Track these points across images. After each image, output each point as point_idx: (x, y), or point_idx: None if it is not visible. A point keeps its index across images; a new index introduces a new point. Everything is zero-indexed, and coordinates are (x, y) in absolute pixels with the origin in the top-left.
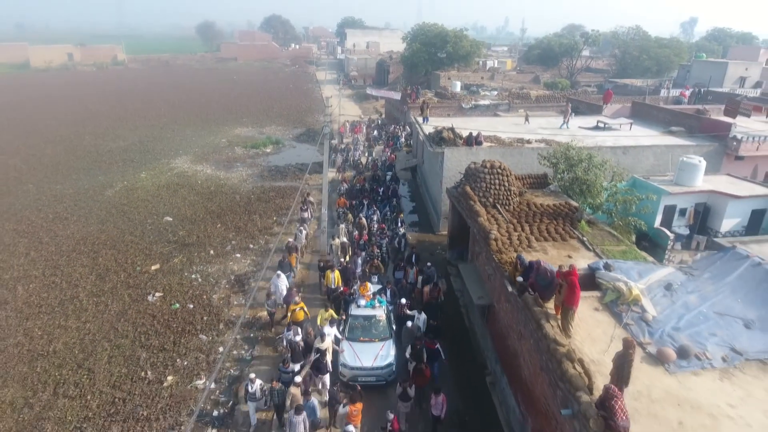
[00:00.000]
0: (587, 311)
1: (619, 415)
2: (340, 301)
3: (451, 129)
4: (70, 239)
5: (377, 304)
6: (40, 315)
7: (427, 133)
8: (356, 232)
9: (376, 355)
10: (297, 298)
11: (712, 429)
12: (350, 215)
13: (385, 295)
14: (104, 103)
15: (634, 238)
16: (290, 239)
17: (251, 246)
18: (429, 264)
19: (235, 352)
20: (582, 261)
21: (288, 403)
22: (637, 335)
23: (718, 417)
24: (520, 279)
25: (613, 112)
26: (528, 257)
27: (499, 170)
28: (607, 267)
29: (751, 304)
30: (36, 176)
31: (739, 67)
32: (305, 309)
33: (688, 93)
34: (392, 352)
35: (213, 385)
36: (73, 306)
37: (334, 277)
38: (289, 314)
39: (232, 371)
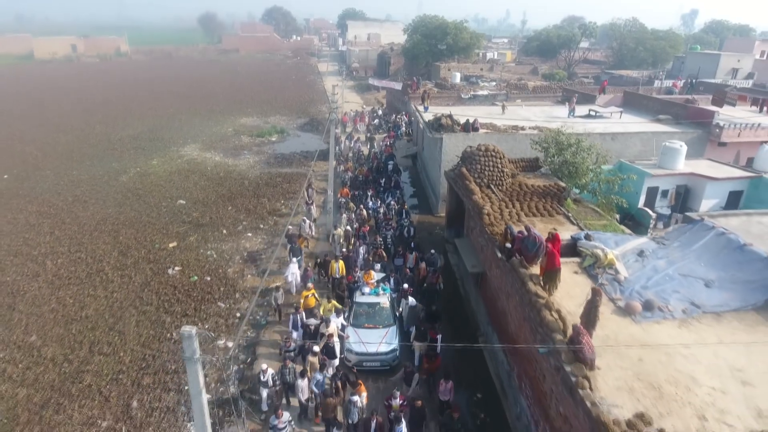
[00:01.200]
0: (567, 274)
1: (586, 348)
2: (343, 290)
3: (450, 116)
4: (90, 220)
5: (381, 292)
6: (70, 285)
7: (427, 120)
8: (357, 224)
9: (380, 341)
10: (309, 284)
11: (666, 363)
12: (352, 205)
13: (389, 283)
14: (110, 94)
15: (617, 215)
16: (290, 226)
17: (261, 226)
18: (432, 251)
19: (251, 317)
20: (566, 233)
21: (308, 368)
22: (610, 293)
23: (673, 355)
24: (508, 245)
25: (606, 101)
26: (517, 230)
27: (492, 153)
28: (587, 237)
29: (712, 267)
30: (52, 163)
31: (732, 58)
32: (316, 295)
33: (680, 84)
34: (396, 337)
35: (231, 344)
36: (99, 278)
37: (338, 267)
38: (301, 300)
39: (249, 333)
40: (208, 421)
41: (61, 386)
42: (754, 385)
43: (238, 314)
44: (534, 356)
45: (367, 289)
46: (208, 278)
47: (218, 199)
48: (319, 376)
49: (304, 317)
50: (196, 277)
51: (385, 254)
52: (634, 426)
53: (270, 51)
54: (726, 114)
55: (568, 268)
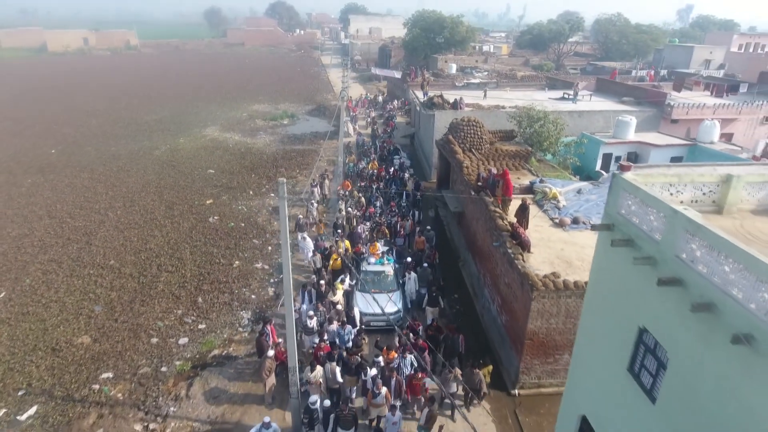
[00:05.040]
0: None
1: (522, 234)
2: (350, 261)
3: (441, 96)
4: (136, 184)
5: (386, 262)
6: (132, 229)
7: (422, 101)
8: (356, 211)
9: (385, 303)
10: (341, 250)
11: (580, 251)
12: (356, 193)
13: (392, 254)
14: (128, 84)
15: (578, 176)
16: (300, 215)
17: None
18: (429, 227)
19: (280, 251)
20: (526, 180)
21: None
22: (551, 215)
23: (585, 247)
24: (479, 184)
25: (582, 87)
26: (485, 175)
27: (473, 123)
28: (541, 181)
29: None
30: (90, 141)
31: (704, 51)
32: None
33: (653, 73)
34: (399, 301)
35: (267, 266)
36: (154, 224)
37: (345, 245)
38: (330, 262)
39: (278, 260)
40: (288, 239)
41: (142, 290)
42: None
43: (269, 247)
44: (492, 254)
45: (372, 259)
46: (243, 224)
47: (242, 169)
48: (340, 330)
49: (322, 290)
50: (233, 224)
51: (387, 232)
52: (547, 277)
53: (274, 45)
54: (681, 97)
55: None
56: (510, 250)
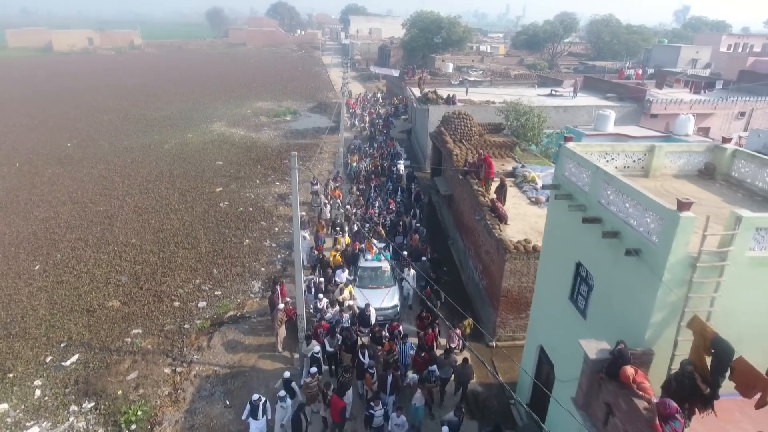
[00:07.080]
0: None
1: (500, 209)
2: (349, 257)
3: (434, 91)
4: (150, 174)
5: (382, 258)
6: (149, 212)
7: (417, 97)
8: (355, 210)
9: (383, 298)
10: (338, 246)
11: None
12: (354, 190)
13: (389, 250)
14: (134, 83)
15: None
16: (303, 213)
17: (286, 178)
18: (418, 224)
19: (285, 231)
20: (509, 167)
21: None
22: (530, 195)
23: None
24: (465, 168)
25: (570, 84)
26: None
27: (464, 116)
28: (522, 167)
29: None
30: (103, 136)
31: (691, 50)
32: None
33: (640, 72)
34: (397, 295)
35: (274, 244)
36: (170, 208)
37: (344, 240)
38: (331, 258)
39: (285, 239)
40: (299, 204)
41: (162, 264)
42: None
43: (276, 228)
44: (475, 227)
45: (369, 256)
46: (251, 209)
47: (248, 161)
48: (339, 317)
49: (321, 287)
50: (242, 209)
51: (383, 232)
52: (520, 242)
53: (276, 44)
54: (662, 93)
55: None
56: (489, 222)
